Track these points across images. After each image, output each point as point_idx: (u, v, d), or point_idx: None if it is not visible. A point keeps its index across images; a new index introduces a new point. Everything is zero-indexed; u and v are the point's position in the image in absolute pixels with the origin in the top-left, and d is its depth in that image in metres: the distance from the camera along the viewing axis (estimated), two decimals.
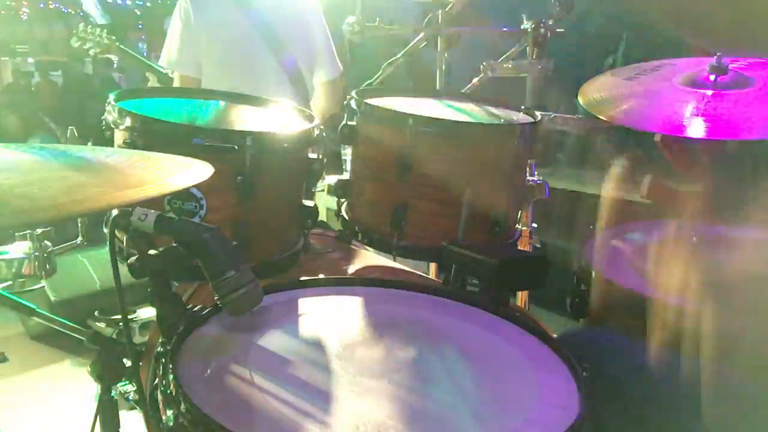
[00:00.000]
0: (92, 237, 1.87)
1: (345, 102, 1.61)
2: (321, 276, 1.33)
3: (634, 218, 1.53)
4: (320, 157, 1.47)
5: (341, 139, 1.57)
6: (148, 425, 1.12)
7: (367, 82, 2.79)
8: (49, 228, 1.50)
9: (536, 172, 1.87)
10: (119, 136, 1.33)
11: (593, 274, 1.40)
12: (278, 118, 1.60)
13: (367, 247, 1.67)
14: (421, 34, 2.66)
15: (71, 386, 3.06)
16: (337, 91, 2.70)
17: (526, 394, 0.92)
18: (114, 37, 2.98)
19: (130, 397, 1.33)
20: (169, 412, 0.83)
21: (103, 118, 1.36)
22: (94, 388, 1.13)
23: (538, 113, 1.64)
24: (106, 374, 1.11)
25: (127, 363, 1.10)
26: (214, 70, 2.41)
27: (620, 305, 1.30)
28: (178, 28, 2.42)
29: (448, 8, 2.55)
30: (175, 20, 2.44)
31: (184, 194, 1.28)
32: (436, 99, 1.80)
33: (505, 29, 2.73)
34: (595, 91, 1.55)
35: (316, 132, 1.44)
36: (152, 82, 2.79)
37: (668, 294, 0.94)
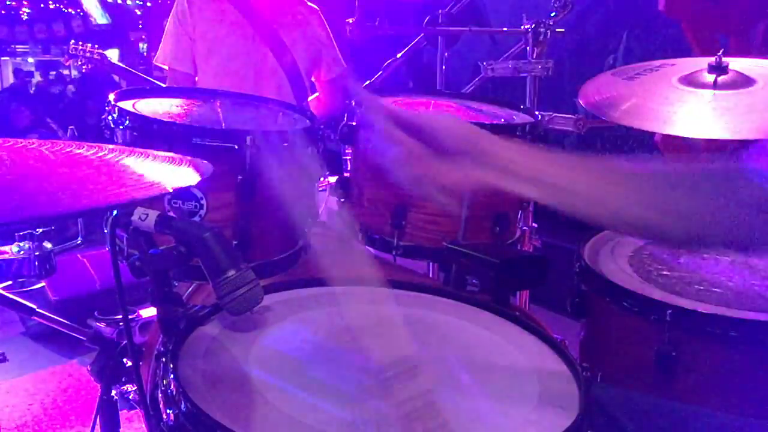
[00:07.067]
0: (92, 237, 1.87)
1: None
2: (321, 276, 1.33)
3: None
4: (320, 156, 1.47)
5: (341, 139, 1.57)
6: (148, 425, 1.12)
7: (366, 82, 2.79)
8: (49, 228, 1.50)
9: None
10: (119, 136, 1.33)
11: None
12: (278, 118, 1.60)
13: (367, 247, 1.67)
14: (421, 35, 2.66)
15: (71, 386, 3.06)
16: (340, 90, 2.67)
17: (525, 394, 0.92)
18: (104, 52, 2.98)
19: (130, 397, 1.33)
20: (169, 412, 0.83)
21: (103, 117, 1.36)
22: (94, 388, 1.13)
23: (538, 113, 1.64)
24: (106, 374, 1.11)
25: (127, 363, 1.10)
26: (213, 70, 2.41)
27: None
28: (175, 25, 2.42)
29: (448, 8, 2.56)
30: (172, 17, 2.43)
31: (184, 194, 1.27)
32: (436, 99, 1.80)
33: (505, 29, 2.73)
34: (595, 91, 1.55)
35: (316, 131, 1.44)
36: None
37: None
